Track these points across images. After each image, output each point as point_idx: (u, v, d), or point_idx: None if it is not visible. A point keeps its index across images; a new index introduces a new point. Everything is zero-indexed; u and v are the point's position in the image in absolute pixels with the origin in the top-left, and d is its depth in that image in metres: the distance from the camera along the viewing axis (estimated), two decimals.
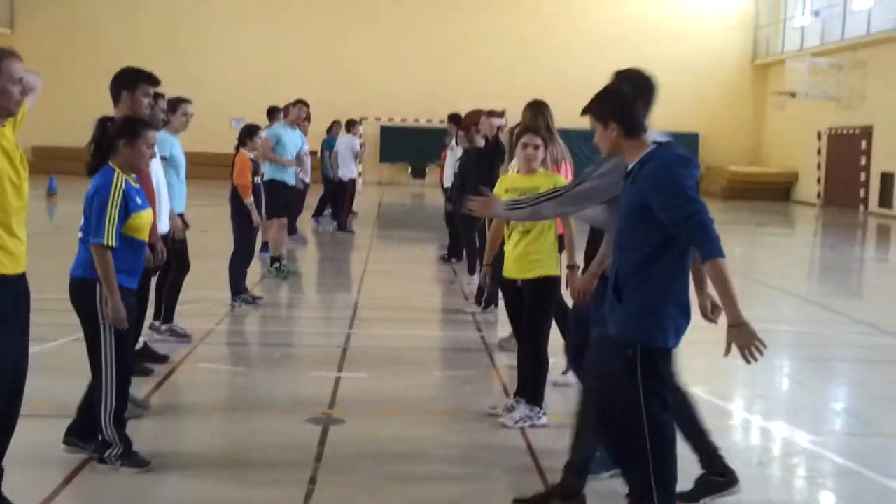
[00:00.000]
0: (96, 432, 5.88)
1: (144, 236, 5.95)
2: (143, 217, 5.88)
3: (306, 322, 10.72)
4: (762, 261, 19.05)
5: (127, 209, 5.74)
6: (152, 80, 6.85)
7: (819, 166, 33.94)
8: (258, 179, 11.61)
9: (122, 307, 5.67)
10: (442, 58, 36.26)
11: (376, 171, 37.21)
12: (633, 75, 5.67)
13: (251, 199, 11.19)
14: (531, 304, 6.97)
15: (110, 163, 5.84)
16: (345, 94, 33.10)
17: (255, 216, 11.14)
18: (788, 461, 6.74)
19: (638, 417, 4.53)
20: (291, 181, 13.76)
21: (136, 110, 6.73)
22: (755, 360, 4.44)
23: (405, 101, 35.58)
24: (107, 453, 5.83)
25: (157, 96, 7.67)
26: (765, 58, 38.06)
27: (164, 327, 9.25)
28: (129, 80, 6.80)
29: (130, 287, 5.89)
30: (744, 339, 4.41)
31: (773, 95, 35.77)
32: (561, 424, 6.74)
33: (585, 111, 4.89)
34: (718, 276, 4.38)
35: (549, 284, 6.98)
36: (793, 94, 33.13)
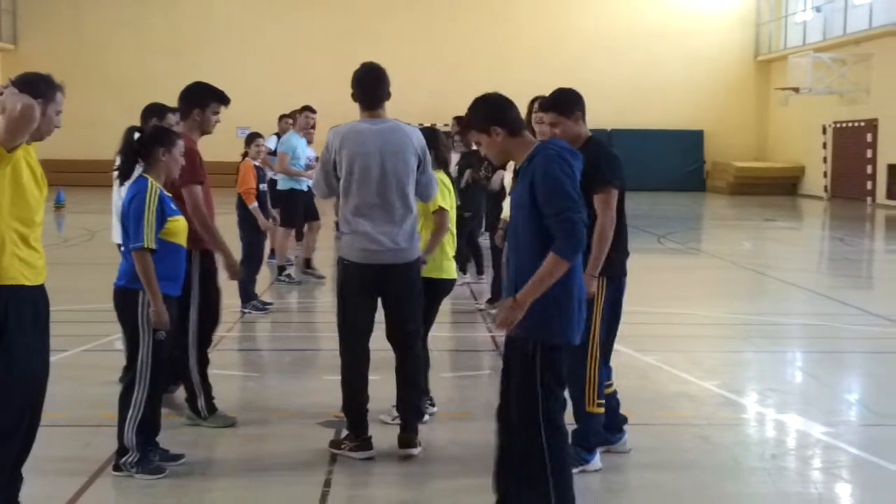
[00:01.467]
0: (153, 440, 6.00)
1: (183, 241, 6.03)
2: (180, 221, 5.99)
3: (316, 326, 10.73)
4: (771, 255, 19.03)
5: (163, 213, 5.84)
6: (223, 99, 6.96)
7: (825, 160, 33.90)
8: (264, 186, 11.65)
9: (165, 311, 5.75)
10: (448, 62, 36.24)
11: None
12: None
13: (255, 204, 11.24)
14: None
15: (143, 173, 5.94)
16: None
17: (261, 221, 11.20)
18: (803, 453, 6.74)
19: (534, 410, 4.59)
20: (305, 188, 13.83)
21: (205, 127, 6.89)
22: (498, 329, 4.67)
23: (413, 105, 35.59)
24: (123, 460, 5.86)
25: (168, 110, 7.68)
26: (767, 54, 38.03)
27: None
28: (202, 98, 6.90)
29: (172, 294, 5.97)
30: (509, 315, 4.53)
31: (777, 91, 35.72)
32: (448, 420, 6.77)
33: (465, 127, 4.98)
34: (549, 270, 4.48)
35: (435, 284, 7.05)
36: (796, 90, 33.08)
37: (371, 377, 8.34)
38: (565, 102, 5.96)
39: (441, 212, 6.97)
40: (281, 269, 13.43)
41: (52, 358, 8.57)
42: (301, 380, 8.60)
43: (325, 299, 12.00)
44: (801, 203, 32.89)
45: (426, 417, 6.99)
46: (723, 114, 37.94)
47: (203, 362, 6.98)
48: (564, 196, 4.49)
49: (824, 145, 33.87)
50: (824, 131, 33.77)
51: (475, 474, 5.93)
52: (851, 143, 32.40)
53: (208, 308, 6.92)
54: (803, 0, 35.85)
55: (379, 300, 6.40)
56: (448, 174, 7.38)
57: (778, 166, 36.70)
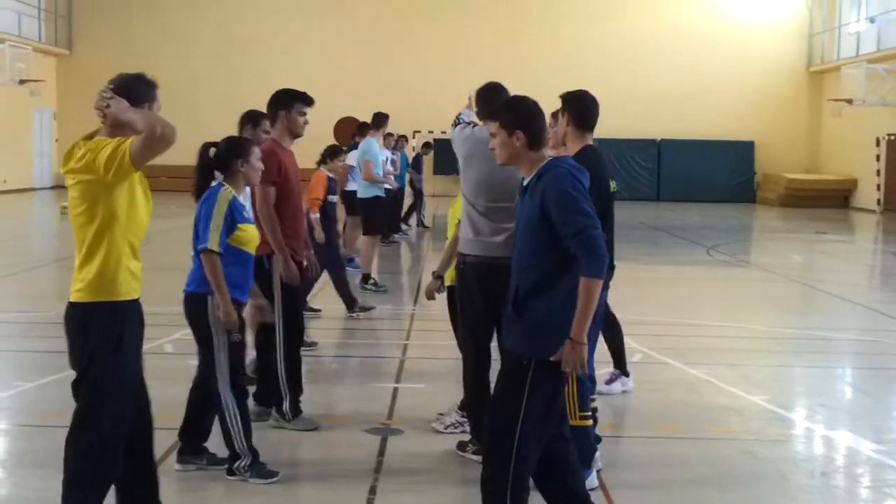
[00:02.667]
0: (202, 445, 6.12)
1: (251, 250, 6.09)
2: (249, 230, 6.05)
3: (363, 333, 10.76)
4: (822, 268, 18.82)
5: (233, 219, 5.91)
6: (306, 99, 7.13)
7: (878, 173, 33.48)
8: (333, 197, 11.67)
9: (234, 312, 5.82)
10: (487, 68, 35.95)
11: (431, 184, 37.30)
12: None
13: (318, 215, 11.25)
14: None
15: (222, 181, 6.04)
16: (395, 109, 33.29)
17: (317, 233, 11.10)
18: (853, 471, 6.65)
19: (512, 424, 4.53)
20: (383, 194, 13.97)
21: (293, 128, 7.05)
22: (577, 373, 4.60)
23: (453, 113, 35.64)
24: (236, 464, 5.95)
25: (264, 116, 7.71)
26: (820, 65, 37.65)
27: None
28: (285, 101, 7.11)
29: (240, 300, 6.03)
30: (573, 356, 4.45)
31: (830, 102, 35.35)
32: None
33: (493, 115, 4.90)
34: (585, 294, 4.43)
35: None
36: (850, 101, 32.72)
37: (416, 385, 8.38)
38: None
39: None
40: (366, 276, 13.46)
41: None
42: (347, 386, 8.64)
43: (382, 307, 12.02)
44: (853, 216, 32.50)
45: (461, 428, 6.98)
46: (774, 125, 37.61)
47: (296, 364, 7.09)
48: (581, 213, 4.46)
49: (877, 157, 33.45)
50: (878, 143, 33.37)
51: None
52: None
53: (294, 309, 7.06)
54: (857, 10, 35.46)
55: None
56: None
57: (830, 178, 36.31)
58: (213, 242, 5.79)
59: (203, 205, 5.93)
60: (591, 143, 6.13)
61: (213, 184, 6.06)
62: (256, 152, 6.18)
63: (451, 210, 7.39)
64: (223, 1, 37.20)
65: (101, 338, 4.57)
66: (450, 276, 7.07)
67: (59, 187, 35.08)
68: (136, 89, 4.62)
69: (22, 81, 32.38)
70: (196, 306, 5.92)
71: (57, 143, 36.24)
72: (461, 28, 37.13)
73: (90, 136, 4.63)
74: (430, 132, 35.29)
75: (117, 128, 4.52)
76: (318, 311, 11.50)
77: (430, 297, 7.06)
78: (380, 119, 15.19)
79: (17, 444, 6.77)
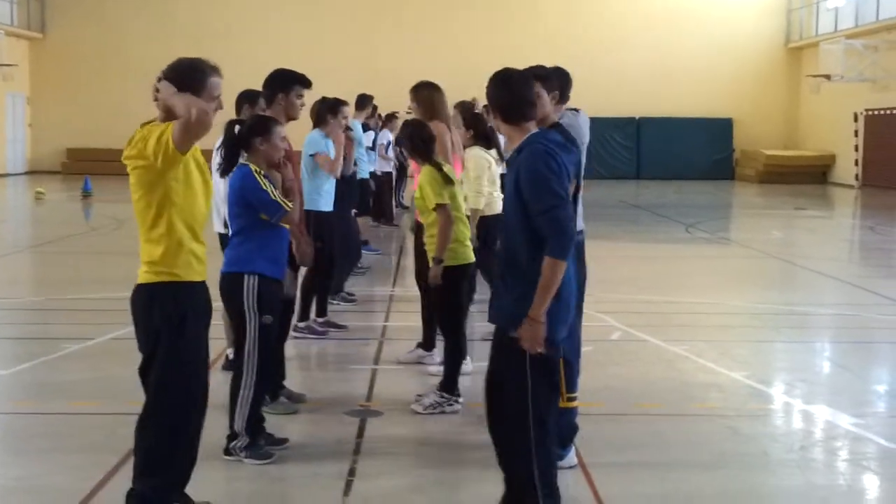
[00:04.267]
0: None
1: (285, 223, 6.12)
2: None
3: (342, 316, 10.71)
4: (802, 244, 18.89)
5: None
6: (305, 82, 7.02)
7: (856, 148, 33.58)
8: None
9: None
10: (464, 48, 36.05)
11: (408, 165, 37.25)
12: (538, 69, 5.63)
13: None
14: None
15: (243, 161, 6.05)
16: (375, 91, 33.18)
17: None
18: (831, 444, 6.67)
19: (523, 405, 4.55)
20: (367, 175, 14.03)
21: (290, 111, 6.93)
22: (530, 350, 4.53)
23: None
24: (232, 444, 5.96)
25: (259, 95, 7.70)
26: (798, 41, 37.68)
27: (320, 320, 9.47)
28: (284, 83, 6.96)
29: (276, 277, 6.06)
30: (531, 334, 4.48)
31: (808, 78, 35.42)
32: (478, 410, 6.85)
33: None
34: (548, 273, 4.44)
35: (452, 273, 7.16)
36: (828, 77, 32.78)
37: (395, 367, 8.37)
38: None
39: (440, 208, 7.08)
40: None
41: (78, 346, 8.71)
42: (327, 369, 8.61)
43: (351, 288, 11.96)
44: (831, 192, 32.63)
45: (457, 408, 6.97)
46: (752, 101, 37.66)
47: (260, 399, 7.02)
48: (550, 193, 4.45)
49: (856, 133, 33.55)
50: (856, 119, 33.46)
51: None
52: (883, 131, 32.05)
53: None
54: None
55: None
56: (438, 166, 7.30)
57: (808, 154, 36.40)
58: (284, 203, 5.89)
59: (242, 188, 5.94)
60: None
61: (240, 161, 6.07)
62: (279, 131, 6.16)
63: (423, 192, 7.27)
64: None
65: (164, 318, 4.61)
66: (448, 257, 7.11)
67: (33, 173, 34.87)
68: (184, 74, 4.59)
69: None
70: (233, 287, 5.96)
71: (30, 129, 35.96)
72: (439, 9, 36.97)
73: (148, 122, 4.62)
74: (409, 112, 35.21)
75: (168, 113, 4.51)
76: (354, 298, 11.35)
77: (437, 282, 7.10)
78: (363, 101, 15.06)
79: None
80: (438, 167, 7.27)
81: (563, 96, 5.94)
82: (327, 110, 9.24)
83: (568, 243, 4.45)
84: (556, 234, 4.44)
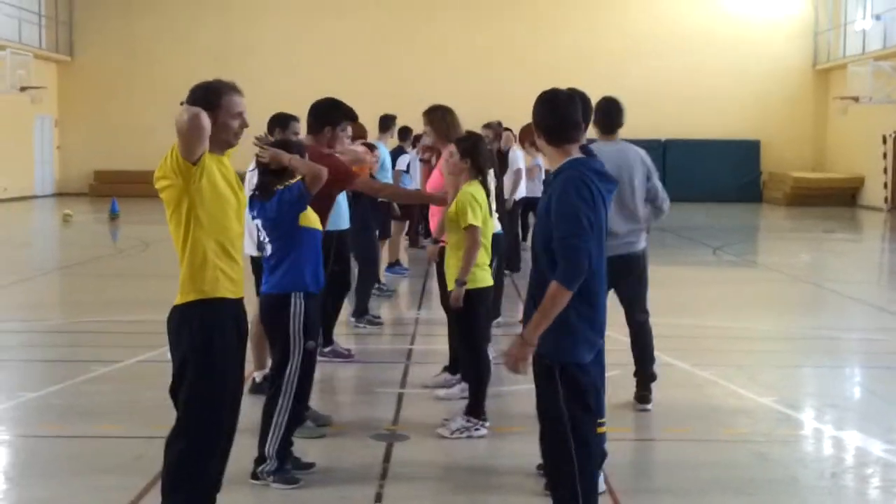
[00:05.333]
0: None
1: (319, 226, 6.14)
2: (310, 210, 6.04)
3: (368, 338, 10.70)
4: (830, 267, 18.74)
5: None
6: (352, 115, 7.03)
7: (885, 170, 33.36)
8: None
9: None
10: (487, 67, 36.02)
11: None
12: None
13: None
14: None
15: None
16: (400, 112, 33.26)
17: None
18: (862, 471, 6.59)
19: (561, 426, 4.56)
20: None
21: (333, 145, 6.94)
22: (513, 371, 4.58)
23: (458, 112, 35.54)
24: (260, 468, 5.95)
25: (291, 118, 7.73)
26: (826, 63, 37.54)
27: (326, 349, 9.03)
28: (336, 117, 6.97)
29: (318, 292, 6.06)
30: (516, 355, 4.51)
31: (836, 101, 35.25)
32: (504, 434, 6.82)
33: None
34: (550, 299, 4.45)
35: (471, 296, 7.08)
36: (856, 99, 32.61)
37: (421, 390, 8.35)
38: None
39: (471, 229, 6.98)
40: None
41: (106, 369, 8.73)
42: (352, 392, 8.59)
43: (386, 312, 11.95)
44: (860, 214, 32.40)
45: (483, 432, 6.93)
46: (780, 124, 37.50)
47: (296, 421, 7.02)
48: (573, 222, 4.44)
49: (884, 155, 33.33)
50: (885, 141, 33.25)
51: (530, 487, 5.89)
52: None
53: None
54: (862, 8, 35.35)
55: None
56: (485, 185, 7.23)
57: (837, 177, 36.19)
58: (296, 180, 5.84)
59: (281, 204, 5.89)
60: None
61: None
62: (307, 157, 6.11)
63: (459, 207, 7.13)
64: (224, 5, 37.15)
65: (190, 337, 4.62)
66: (455, 280, 7.06)
67: (61, 195, 35.16)
68: (200, 97, 4.65)
69: (23, 88, 32.36)
70: (278, 308, 5.94)
71: (58, 151, 36.30)
72: (462, 29, 37.03)
73: None
74: (425, 133, 35.25)
75: None
76: (380, 321, 11.28)
77: (458, 304, 7.05)
78: (386, 121, 15.06)
79: (19, 455, 6.72)
80: (486, 188, 7.21)
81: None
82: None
83: (576, 274, 4.44)
84: (566, 262, 4.44)
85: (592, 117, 7.05)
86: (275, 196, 5.88)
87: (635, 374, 7.86)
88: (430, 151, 11.23)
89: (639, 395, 7.79)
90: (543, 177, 18.72)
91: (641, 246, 7.65)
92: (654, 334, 7.98)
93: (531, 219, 16.60)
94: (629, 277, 7.54)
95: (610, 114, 7.58)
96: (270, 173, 5.96)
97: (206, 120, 4.43)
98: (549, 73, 34.91)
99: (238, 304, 4.77)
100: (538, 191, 18.77)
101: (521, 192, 15.88)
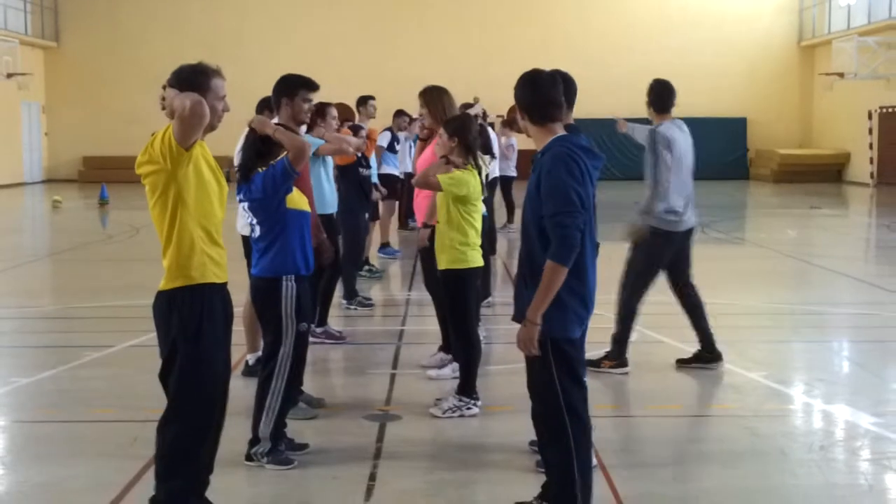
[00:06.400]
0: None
1: (307, 207, 6.15)
2: (296, 192, 6.06)
3: (360, 320, 10.74)
4: (817, 243, 18.83)
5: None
6: (310, 85, 6.98)
7: (871, 146, 33.47)
8: (364, 171, 11.49)
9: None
10: (479, 53, 36.07)
11: None
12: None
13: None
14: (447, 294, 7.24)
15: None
16: (389, 97, 33.20)
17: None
18: (852, 444, 6.66)
19: (555, 401, 4.65)
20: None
21: (296, 116, 6.89)
22: (523, 351, 4.66)
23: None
24: (253, 450, 5.98)
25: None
26: (811, 39, 37.58)
27: (318, 330, 9.11)
28: (289, 88, 6.93)
29: (308, 274, 6.10)
30: (525, 335, 4.59)
31: (822, 77, 35.31)
32: (496, 413, 6.90)
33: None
34: (547, 278, 4.50)
35: (461, 276, 7.10)
36: (841, 75, 32.67)
37: (413, 371, 8.39)
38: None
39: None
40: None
41: (98, 354, 8.76)
42: (345, 374, 8.62)
43: (373, 294, 11.99)
44: (846, 190, 32.52)
45: (475, 411, 6.98)
46: (766, 101, 37.57)
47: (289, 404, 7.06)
48: (564, 199, 4.48)
49: (870, 131, 33.44)
50: (870, 117, 33.35)
51: (522, 466, 5.94)
52: None
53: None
54: None
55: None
56: (475, 163, 7.14)
57: (823, 153, 36.30)
58: (280, 160, 5.81)
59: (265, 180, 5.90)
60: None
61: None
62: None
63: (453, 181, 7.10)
64: None
65: (180, 322, 4.64)
66: (445, 260, 7.07)
67: (50, 181, 35.04)
68: (187, 79, 4.65)
69: (9, 75, 32.28)
70: (268, 291, 5.97)
71: (46, 137, 36.17)
72: (453, 12, 37.00)
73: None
74: (420, 116, 35.22)
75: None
76: (371, 303, 11.33)
77: (423, 245, 7.26)
78: (362, 101, 14.94)
79: (15, 440, 6.75)
80: (478, 166, 7.15)
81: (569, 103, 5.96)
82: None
83: (569, 251, 4.49)
84: (559, 240, 4.49)
85: (646, 98, 8.48)
86: (257, 176, 5.88)
87: (701, 339, 8.39)
88: (430, 131, 11.23)
89: (707, 356, 8.36)
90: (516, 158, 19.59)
91: (696, 220, 8.59)
92: (643, 312, 8.04)
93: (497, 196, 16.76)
94: (688, 249, 8.50)
95: (662, 95, 8.60)
96: (255, 155, 5.94)
97: (207, 108, 4.44)
98: (538, 58, 35.03)
99: (223, 288, 4.80)
100: (510, 170, 19.44)
101: (494, 171, 15.91)
